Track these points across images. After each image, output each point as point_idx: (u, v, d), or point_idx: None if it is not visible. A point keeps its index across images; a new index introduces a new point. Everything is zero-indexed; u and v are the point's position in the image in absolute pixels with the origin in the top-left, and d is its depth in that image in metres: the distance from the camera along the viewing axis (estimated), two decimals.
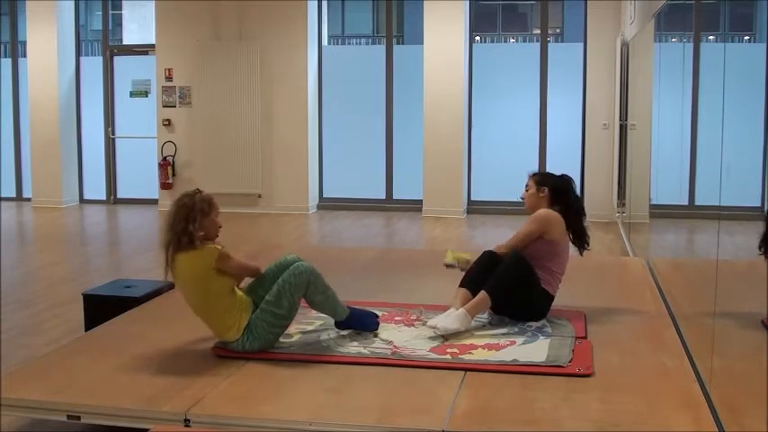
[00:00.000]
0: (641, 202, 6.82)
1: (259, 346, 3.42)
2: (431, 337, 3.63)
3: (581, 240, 4.05)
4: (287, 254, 3.68)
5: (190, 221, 3.32)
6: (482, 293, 3.76)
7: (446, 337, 3.63)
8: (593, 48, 9.11)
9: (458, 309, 3.71)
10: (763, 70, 4.01)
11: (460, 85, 9.35)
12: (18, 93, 10.90)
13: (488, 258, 3.96)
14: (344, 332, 3.71)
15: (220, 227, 3.47)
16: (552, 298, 3.95)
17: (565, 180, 4.06)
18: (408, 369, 3.27)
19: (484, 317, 3.95)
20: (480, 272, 3.89)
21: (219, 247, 3.37)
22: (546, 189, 3.99)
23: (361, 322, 3.70)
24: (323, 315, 3.79)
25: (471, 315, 3.73)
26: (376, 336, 3.67)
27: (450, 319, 3.67)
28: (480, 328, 3.78)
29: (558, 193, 4.00)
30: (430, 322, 3.70)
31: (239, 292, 3.48)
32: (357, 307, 3.75)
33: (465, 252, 4.12)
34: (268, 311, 3.43)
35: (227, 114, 9.79)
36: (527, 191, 4.05)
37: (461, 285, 3.91)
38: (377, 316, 3.80)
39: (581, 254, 4.14)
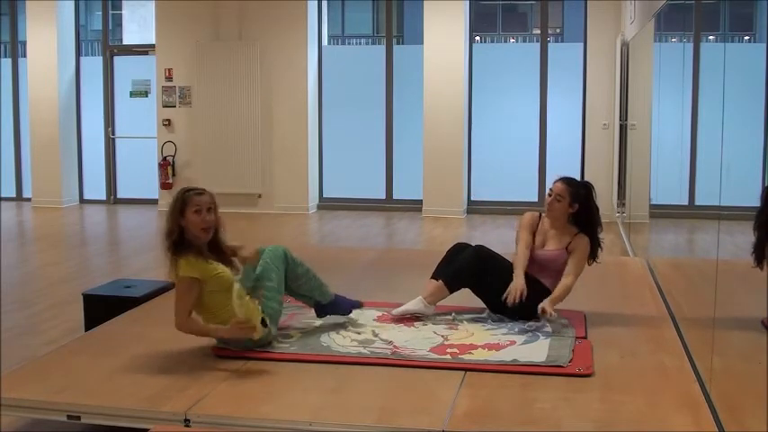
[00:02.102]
0: (641, 202, 6.81)
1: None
2: (430, 338, 3.64)
3: (593, 254, 4.02)
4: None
5: (173, 225, 3.33)
6: (438, 282, 3.96)
7: (445, 336, 3.64)
8: (593, 48, 9.11)
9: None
10: (763, 70, 4.00)
11: (460, 85, 9.34)
12: (18, 93, 10.89)
13: (459, 250, 4.07)
14: (323, 320, 3.83)
15: (203, 227, 3.33)
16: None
17: (591, 199, 3.99)
18: (408, 369, 3.27)
19: (483, 316, 3.96)
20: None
21: (182, 274, 3.30)
22: (577, 206, 3.96)
23: (345, 304, 3.86)
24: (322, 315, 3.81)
25: (428, 301, 3.93)
26: (376, 336, 3.68)
27: (405, 305, 3.92)
28: (480, 329, 3.78)
29: (584, 209, 3.98)
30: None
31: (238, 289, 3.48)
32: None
33: None
34: (262, 286, 3.50)
35: (227, 114, 9.79)
36: (558, 201, 3.95)
37: (432, 277, 4.05)
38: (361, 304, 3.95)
39: (589, 264, 4.08)
